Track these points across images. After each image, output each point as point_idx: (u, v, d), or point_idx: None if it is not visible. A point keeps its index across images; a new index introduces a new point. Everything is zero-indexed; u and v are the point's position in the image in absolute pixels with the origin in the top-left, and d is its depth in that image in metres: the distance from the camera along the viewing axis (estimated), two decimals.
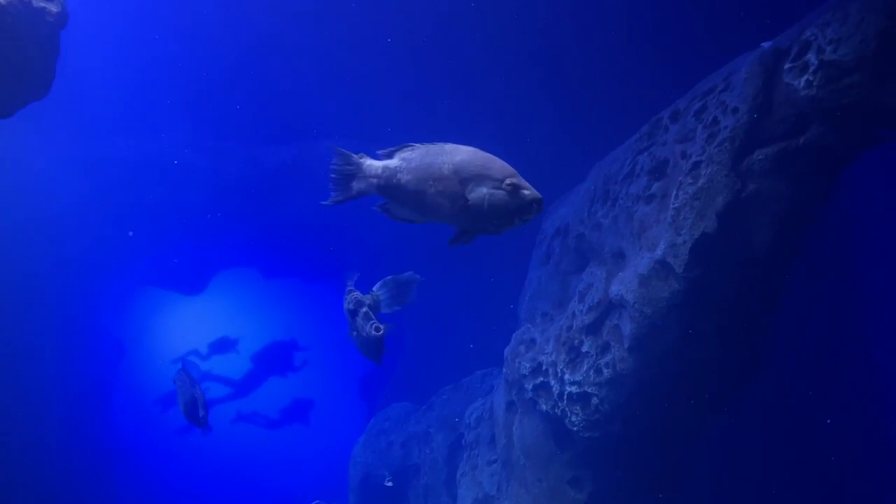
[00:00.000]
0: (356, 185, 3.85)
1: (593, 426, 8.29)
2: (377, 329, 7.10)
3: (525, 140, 11.88)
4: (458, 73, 12.35)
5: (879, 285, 10.64)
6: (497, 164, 3.44)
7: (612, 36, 11.27)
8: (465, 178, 3.41)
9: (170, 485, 18.73)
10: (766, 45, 7.29)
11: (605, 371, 8.17)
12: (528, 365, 9.13)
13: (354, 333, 6.59)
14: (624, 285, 8.00)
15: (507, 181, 3.35)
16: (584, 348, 8.47)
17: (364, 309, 6.86)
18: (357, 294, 6.70)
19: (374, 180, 3.78)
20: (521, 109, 12.23)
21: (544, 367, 8.88)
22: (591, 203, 9.21)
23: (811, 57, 6.64)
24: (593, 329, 8.45)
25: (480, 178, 3.40)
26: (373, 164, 3.81)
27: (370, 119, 13.57)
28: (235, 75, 12.70)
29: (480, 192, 3.38)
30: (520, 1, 11.41)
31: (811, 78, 6.61)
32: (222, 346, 16.12)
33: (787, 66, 6.88)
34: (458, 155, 3.51)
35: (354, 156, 3.89)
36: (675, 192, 7.69)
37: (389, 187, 3.71)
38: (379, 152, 3.83)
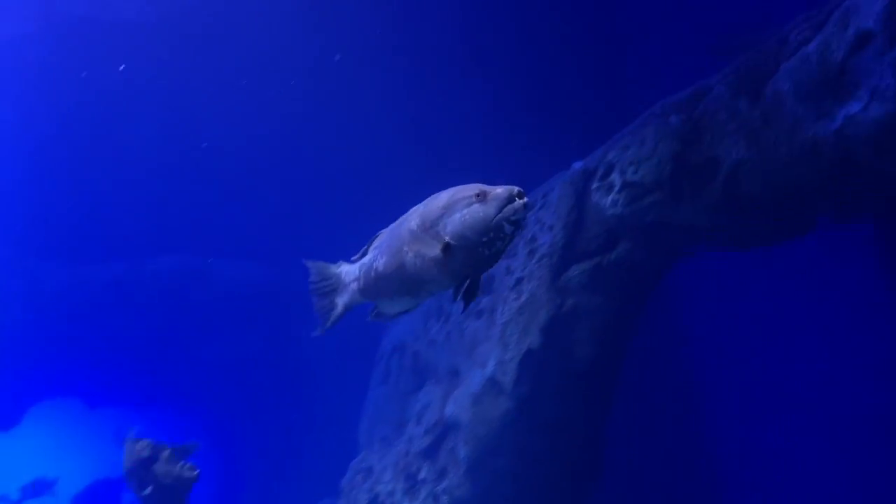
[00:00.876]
0: (341, 301, 3.36)
1: None
2: (192, 469, 6.32)
3: None
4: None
5: (712, 389, 11.04)
6: (461, 188, 2.94)
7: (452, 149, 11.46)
8: (434, 220, 2.92)
9: None
10: (576, 165, 7.59)
11: (442, 498, 7.78)
12: (365, 497, 8.60)
13: (150, 487, 5.81)
14: (458, 405, 7.79)
15: (476, 193, 2.86)
16: (422, 475, 8.08)
17: (166, 452, 6.12)
18: (148, 441, 5.96)
19: (355, 284, 3.30)
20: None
21: (381, 499, 8.38)
22: (427, 319, 9.08)
23: (615, 177, 6.95)
24: (430, 453, 8.11)
25: (449, 209, 2.89)
26: (350, 269, 3.37)
27: (211, 229, 13.00)
28: (53, 188, 11.84)
29: (455, 220, 2.86)
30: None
31: (616, 197, 6.89)
32: (38, 488, 14.29)
33: (594, 185, 7.16)
34: (420, 207, 3.04)
35: (332, 266, 3.41)
36: (501, 308, 7.68)
37: (369, 284, 3.24)
38: (352, 259, 3.39)
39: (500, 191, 2.81)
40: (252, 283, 13.44)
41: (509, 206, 2.78)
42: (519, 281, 7.57)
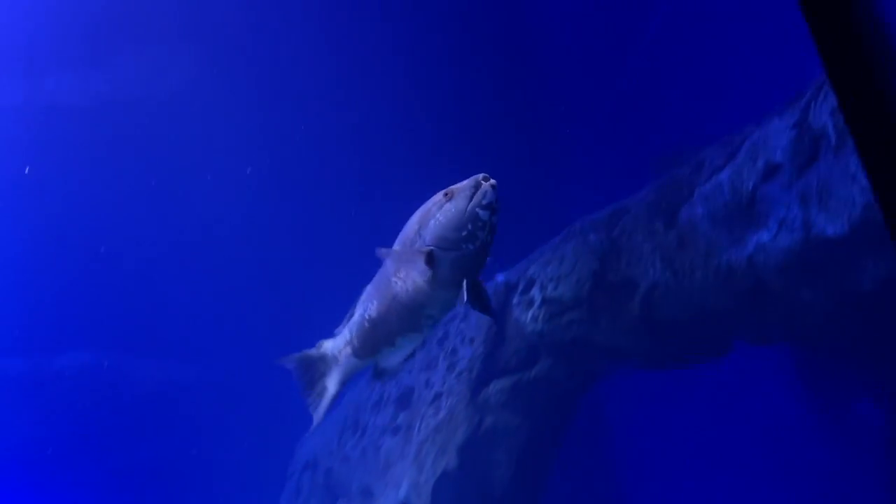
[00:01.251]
0: (332, 382, 3.19)
1: None
2: None
3: None
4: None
5: None
6: (429, 201, 2.88)
7: None
8: (413, 238, 2.84)
9: None
10: (499, 277, 7.50)
11: None
12: None
13: None
14: None
15: (444, 194, 2.81)
16: None
17: None
18: None
19: (348, 349, 3.12)
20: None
21: None
22: (342, 432, 8.62)
23: (535, 293, 6.86)
24: None
25: (423, 221, 2.82)
26: (335, 342, 3.19)
27: (122, 325, 12.39)
28: None
29: (431, 228, 2.76)
30: None
31: (536, 313, 6.78)
32: None
33: (515, 300, 7.05)
34: (399, 238, 2.98)
35: (312, 352, 3.20)
36: (418, 425, 7.34)
37: (366, 338, 3.06)
38: (336, 331, 3.21)
39: (465, 183, 2.77)
40: (163, 384, 12.74)
41: (478, 193, 2.71)
42: (438, 396, 7.29)
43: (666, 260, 6.18)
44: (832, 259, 5.16)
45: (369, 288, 3.09)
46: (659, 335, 6.41)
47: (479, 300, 2.83)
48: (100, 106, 9.99)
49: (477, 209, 2.70)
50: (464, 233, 2.72)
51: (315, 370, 3.22)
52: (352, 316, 3.16)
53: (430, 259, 2.77)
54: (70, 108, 9.96)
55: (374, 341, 3.07)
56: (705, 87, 8.92)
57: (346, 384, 3.22)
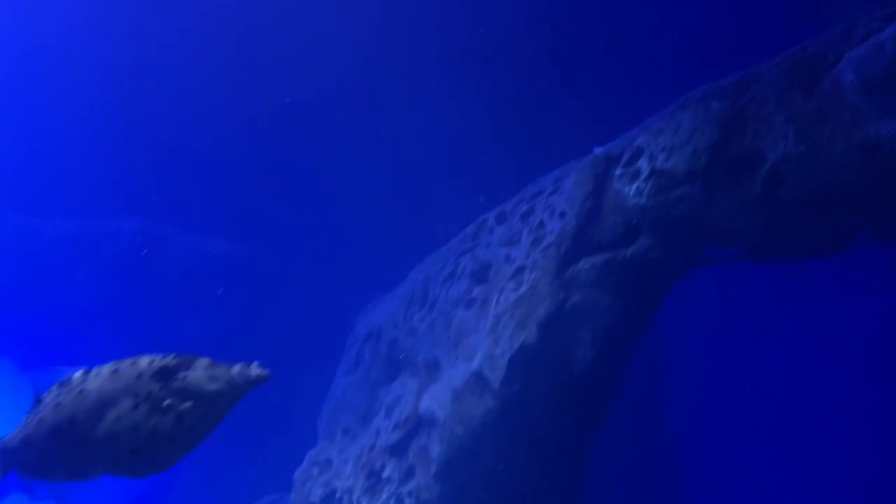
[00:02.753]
0: None
1: None
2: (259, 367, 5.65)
3: None
4: None
5: (691, 413, 10.39)
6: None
7: None
8: None
9: None
10: (598, 150, 6.93)
11: (406, 501, 6.97)
12: (319, 491, 7.73)
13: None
14: (435, 400, 7.01)
15: None
16: (386, 473, 7.25)
17: (203, 360, 5.22)
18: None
19: None
20: None
21: (338, 495, 7.52)
22: (409, 305, 8.28)
23: (643, 164, 6.28)
24: (398, 450, 7.30)
25: None
26: None
27: (176, 196, 12.15)
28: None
29: None
30: None
31: (642, 185, 6.22)
32: None
33: (617, 172, 6.49)
34: None
35: None
36: (496, 298, 6.94)
37: None
38: None
39: None
40: (217, 259, 12.54)
41: None
42: (520, 270, 6.84)
43: (800, 132, 5.54)
44: None
45: None
46: (779, 217, 5.82)
47: None
48: None
49: None
50: None
51: None
52: None
53: None
54: None
55: None
56: None
57: None
